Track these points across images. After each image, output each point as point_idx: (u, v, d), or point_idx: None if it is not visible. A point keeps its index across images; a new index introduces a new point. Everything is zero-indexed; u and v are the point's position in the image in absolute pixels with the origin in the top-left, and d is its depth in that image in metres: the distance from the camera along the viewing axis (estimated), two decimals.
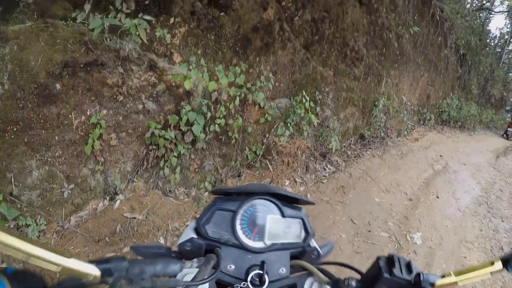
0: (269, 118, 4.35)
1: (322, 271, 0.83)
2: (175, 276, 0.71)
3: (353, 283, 0.73)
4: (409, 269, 0.70)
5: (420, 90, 9.73)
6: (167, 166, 3.52)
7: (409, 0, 7.36)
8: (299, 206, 0.93)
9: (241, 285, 0.78)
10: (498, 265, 0.67)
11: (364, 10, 5.90)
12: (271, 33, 4.20)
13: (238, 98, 3.83)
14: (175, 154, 3.51)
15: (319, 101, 5.22)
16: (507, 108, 21.48)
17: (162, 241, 2.99)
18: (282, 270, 0.84)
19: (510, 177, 8.72)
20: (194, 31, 3.53)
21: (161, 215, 3.31)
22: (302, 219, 0.89)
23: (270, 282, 0.80)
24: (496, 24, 36.90)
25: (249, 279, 0.79)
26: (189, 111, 3.37)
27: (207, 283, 0.70)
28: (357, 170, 5.55)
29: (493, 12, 15.12)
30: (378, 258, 0.72)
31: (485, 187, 7.11)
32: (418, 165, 6.85)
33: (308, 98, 4.77)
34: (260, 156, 4.39)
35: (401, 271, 0.69)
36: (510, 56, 18.98)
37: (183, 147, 3.50)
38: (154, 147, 3.40)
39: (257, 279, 0.80)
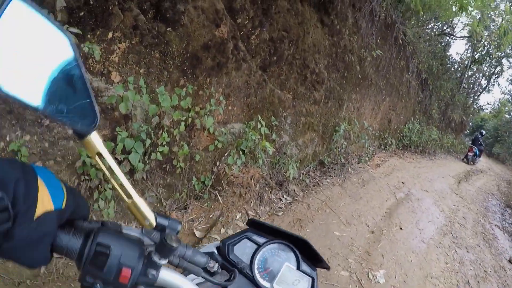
0: (220, 145, 3.93)
1: None
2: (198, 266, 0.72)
3: None
4: None
5: (381, 115, 9.59)
6: (101, 199, 3.01)
7: (373, 22, 7.20)
8: (315, 267, 0.96)
9: None
10: None
11: (326, 31, 5.64)
12: (224, 52, 3.82)
13: (183, 123, 3.41)
14: (109, 186, 3.01)
15: (275, 127, 4.84)
16: (466, 132, 22.11)
17: None
18: None
19: (473, 203, 8.74)
20: (136, 48, 3.10)
21: None
22: (313, 279, 0.92)
23: None
24: (456, 49, 38.45)
25: None
26: (126, 137, 2.93)
27: None
28: (316, 201, 5.17)
29: (454, 37, 15.48)
30: None
31: (448, 215, 6.97)
32: (380, 194, 6.57)
33: (263, 123, 4.38)
34: (209, 186, 3.94)
35: None
36: (469, 81, 19.55)
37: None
38: (86, 177, 2.90)
39: None
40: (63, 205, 0.52)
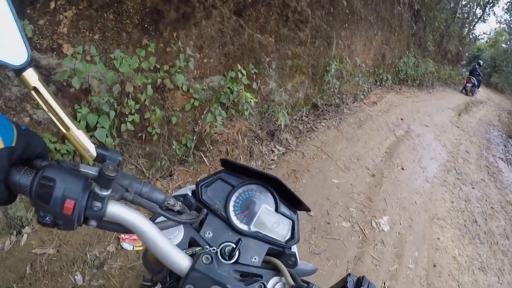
0: (197, 103, 3.49)
1: (293, 276, 0.80)
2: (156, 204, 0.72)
3: None
4: None
5: (374, 50, 9.03)
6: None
7: None
8: (295, 209, 0.93)
9: (211, 249, 0.80)
10: None
11: None
12: (189, 1, 3.34)
13: (150, 86, 2.96)
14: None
15: (256, 75, 4.35)
16: (463, 63, 21.56)
17: (79, 277, 2.32)
18: (255, 258, 0.84)
19: (474, 136, 8.52)
20: (85, 13, 2.70)
21: (76, 243, 2.56)
22: (293, 222, 0.91)
23: (239, 263, 0.82)
24: None
25: (220, 247, 0.81)
26: (88, 113, 2.57)
27: (182, 232, 0.78)
28: (311, 148, 4.80)
29: None
30: (348, 275, 0.72)
31: (451, 150, 6.73)
32: (379, 133, 6.22)
33: (245, 73, 3.90)
34: (192, 148, 3.54)
35: None
36: (464, 10, 18.69)
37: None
38: None
39: (227, 254, 0.81)
40: (13, 144, 0.54)
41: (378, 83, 9.44)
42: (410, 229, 3.87)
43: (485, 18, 21.77)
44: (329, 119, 5.89)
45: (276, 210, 0.90)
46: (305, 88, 5.73)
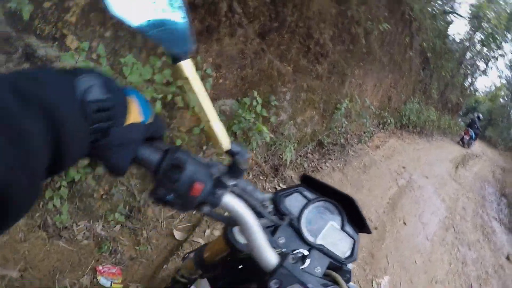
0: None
1: None
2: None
3: None
4: None
5: (382, 92, 8.95)
6: (56, 197, 2.36)
7: None
8: (357, 230, 0.97)
9: (290, 250, 0.82)
10: None
11: None
12: (216, 14, 3.07)
13: (159, 102, 2.63)
14: (65, 182, 2.35)
15: (274, 106, 4.12)
16: (460, 113, 21.78)
17: None
18: (318, 269, 0.86)
19: (471, 191, 8.50)
20: (100, 4, 2.30)
21: (45, 269, 2.20)
22: (354, 241, 0.95)
23: (304, 271, 0.82)
24: (456, 29, 37.55)
25: (295, 252, 0.83)
26: None
27: (263, 231, 0.75)
28: None
29: (459, 16, 14.71)
30: None
31: (449, 206, 6.65)
32: (382, 181, 6.06)
33: (259, 101, 3.64)
34: None
35: None
36: (468, 63, 18.95)
37: (77, 172, 2.35)
38: None
39: (301, 259, 0.83)
40: (150, 120, 0.59)
41: (381, 125, 9.36)
42: None
43: (487, 72, 22.04)
44: (334, 159, 5.71)
45: (342, 228, 0.95)
46: (313, 124, 5.55)
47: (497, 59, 21.69)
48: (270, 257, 0.72)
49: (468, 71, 19.51)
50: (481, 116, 16.54)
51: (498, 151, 20.87)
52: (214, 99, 3.49)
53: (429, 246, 4.77)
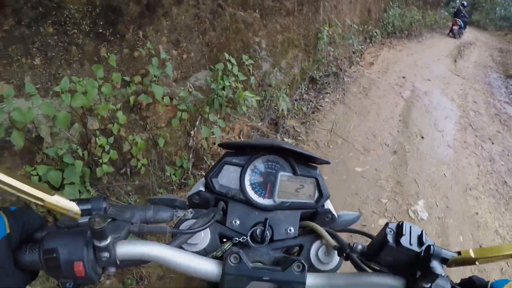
0: (185, 115, 2.79)
1: (332, 235, 0.76)
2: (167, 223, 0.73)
3: (359, 248, 0.67)
4: (420, 240, 0.62)
5: (360, 6, 8.45)
6: None
7: None
8: (314, 165, 0.87)
9: (240, 239, 0.77)
10: None
11: None
12: None
13: (120, 113, 2.27)
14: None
15: (250, 65, 3.64)
16: (441, 5, 21.06)
17: None
18: (290, 230, 0.81)
19: (476, 82, 8.32)
20: (15, 33, 1.96)
21: None
22: (316, 179, 0.83)
23: (275, 240, 0.80)
24: None
25: (248, 234, 0.78)
26: (48, 171, 1.90)
27: (210, 233, 0.77)
28: (322, 133, 4.29)
29: None
30: (387, 225, 0.64)
31: (460, 104, 6.47)
32: (387, 99, 5.76)
33: (234, 62, 3.18)
34: (190, 169, 2.93)
35: (410, 241, 0.62)
36: None
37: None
38: None
39: (259, 237, 0.78)
40: (7, 230, 0.54)
41: (368, 40, 8.94)
42: (448, 210, 3.51)
43: None
44: (332, 92, 5.36)
45: (295, 173, 0.83)
46: (299, 62, 5.16)
47: None
48: (208, 269, 0.65)
49: None
50: (465, 3, 16.04)
51: (490, 32, 20.39)
52: (184, 77, 3.12)
53: (453, 153, 4.56)
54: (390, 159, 4.07)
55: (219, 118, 2.98)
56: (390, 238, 0.62)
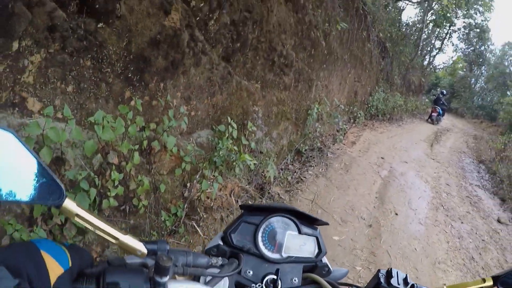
0: (188, 167, 3.12)
1: (331, 284, 0.89)
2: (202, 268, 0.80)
3: None
4: (405, 281, 0.81)
5: (348, 88, 9.14)
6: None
7: None
8: (315, 226, 1.01)
9: (257, 286, 0.89)
10: (489, 282, 0.82)
11: (290, 7, 4.92)
12: (179, 46, 2.92)
13: (137, 153, 2.55)
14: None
15: (249, 130, 4.13)
16: (423, 92, 22.38)
17: None
18: (295, 280, 0.94)
19: (450, 166, 8.75)
20: (57, 58, 2.13)
21: None
22: (317, 238, 0.98)
23: None
24: (407, 14, 38.97)
25: (264, 282, 0.89)
26: None
27: (228, 281, 0.85)
28: (304, 202, 4.63)
29: (410, 2, 15.23)
30: (379, 271, 0.86)
31: (433, 186, 6.83)
32: (365, 177, 6.15)
33: (234, 126, 3.59)
34: (183, 217, 3.17)
35: (398, 282, 0.80)
36: (424, 43, 19.58)
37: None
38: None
39: (271, 284, 0.90)
40: (70, 264, 0.59)
41: (352, 120, 9.54)
42: (418, 280, 3.70)
43: (444, 48, 22.92)
44: (315, 166, 5.77)
45: (299, 232, 0.97)
46: (288, 134, 5.61)
47: (451, 35, 22.56)
48: None
49: (425, 51, 20.18)
50: (444, 91, 17.11)
51: (466, 120, 21.54)
52: (188, 133, 3.45)
53: (424, 230, 4.85)
54: (366, 231, 4.35)
55: (218, 175, 3.33)
56: (382, 280, 0.81)
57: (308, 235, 0.98)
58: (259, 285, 0.89)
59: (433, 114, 14.87)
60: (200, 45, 3.25)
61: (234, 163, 3.55)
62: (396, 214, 5.05)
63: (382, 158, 7.54)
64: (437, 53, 22.39)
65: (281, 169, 5.23)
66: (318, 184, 5.23)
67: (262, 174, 4.47)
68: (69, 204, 0.63)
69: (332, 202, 4.85)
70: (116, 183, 2.40)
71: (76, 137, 2.08)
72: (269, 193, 4.40)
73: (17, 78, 1.98)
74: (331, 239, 3.97)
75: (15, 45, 1.94)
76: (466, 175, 8.34)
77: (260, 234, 0.96)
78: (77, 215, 0.63)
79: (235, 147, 3.49)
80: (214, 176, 3.31)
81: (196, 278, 0.83)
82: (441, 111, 15.07)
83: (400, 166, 7.39)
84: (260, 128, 4.53)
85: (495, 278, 0.82)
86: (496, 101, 22.93)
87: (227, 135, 3.53)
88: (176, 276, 0.72)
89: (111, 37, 2.42)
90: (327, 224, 1.04)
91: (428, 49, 20.88)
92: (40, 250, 0.57)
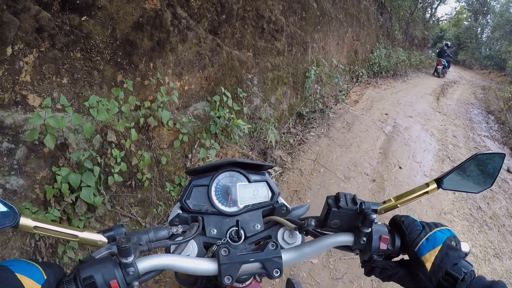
0: (185, 138, 3.21)
1: (290, 220, 0.97)
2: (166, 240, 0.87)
3: (312, 222, 0.88)
4: (353, 201, 0.84)
5: (347, 48, 9.00)
6: (67, 251, 2.38)
7: None
8: (263, 171, 1.07)
9: (222, 241, 0.94)
10: (433, 185, 0.86)
11: None
12: (162, 26, 2.99)
13: (133, 130, 2.68)
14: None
15: (243, 98, 4.15)
16: (428, 45, 21.90)
17: None
18: (257, 226, 0.99)
19: (457, 118, 8.57)
20: (48, 55, 2.30)
21: None
22: (267, 182, 1.04)
23: (247, 237, 0.98)
24: None
25: (227, 235, 0.96)
26: (69, 174, 2.23)
27: (196, 244, 0.93)
28: (307, 162, 4.65)
29: None
30: (327, 198, 0.87)
31: (440, 138, 6.71)
32: (368, 133, 6.13)
33: (229, 95, 3.68)
34: None
35: (346, 204, 0.83)
36: None
37: (79, 220, 2.38)
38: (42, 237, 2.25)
39: (236, 236, 0.96)
40: (45, 276, 0.63)
41: (355, 80, 9.42)
42: None
43: None
44: (317, 127, 5.76)
45: (249, 181, 1.03)
46: (288, 99, 5.59)
47: None
48: (207, 267, 0.80)
49: (427, 4, 19.58)
50: (449, 43, 16.72)
51: (474, 71, 21.10)
52: (185, 107, 3.50)
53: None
54: (369, 186, 4.37)
55: (214, 142, 3.41)
56: (332, 205, 0.83)
57: (258, 181, 1.04)
58: (224, 240, 0.94)
59: (438, 67, 14.69)
60: (184, 21, 3.30)
61: (229, 130, 3.61)
62: (400, 167, 5.05)
63: (386, 114, 7.47)
64: (438, 4, 21.60)
65: (283, 133, 5.24)
66: (320, 144, 5.23)
67: (263, 140, 4.48)
68: (25, 221, 0.68)
69: (334, 160, 4.87)
70: (119, 159, 2.57)
71: (75, 122, 2.23)
72: (271, 157, 4.43)
73: (15, 79, 2.14)
74: None
75: (9, 50, 2.10)
76: (474, 126, 8.19)
77: (213, 193, 1.01)
78: (35, 227, 0.68)
79: (231, 115, 3.54)
80: (211, 144, 3.36)
81: (168, 250, 0.89)
82: (446, 63, 14.88)
83: (404, 121, 7.32)
84: (256, 95, 4.52)
85: (437, 181, 0.86)
86: (504, 50, 22.27)
87: (221, 104, 3.65)
88: (144, 254, 0.77)
89: (96, 27, 2.52)
90: (272, 167, 1.11)
91: (429, 1, 20.19)
92: (15, 273, 0.60)
